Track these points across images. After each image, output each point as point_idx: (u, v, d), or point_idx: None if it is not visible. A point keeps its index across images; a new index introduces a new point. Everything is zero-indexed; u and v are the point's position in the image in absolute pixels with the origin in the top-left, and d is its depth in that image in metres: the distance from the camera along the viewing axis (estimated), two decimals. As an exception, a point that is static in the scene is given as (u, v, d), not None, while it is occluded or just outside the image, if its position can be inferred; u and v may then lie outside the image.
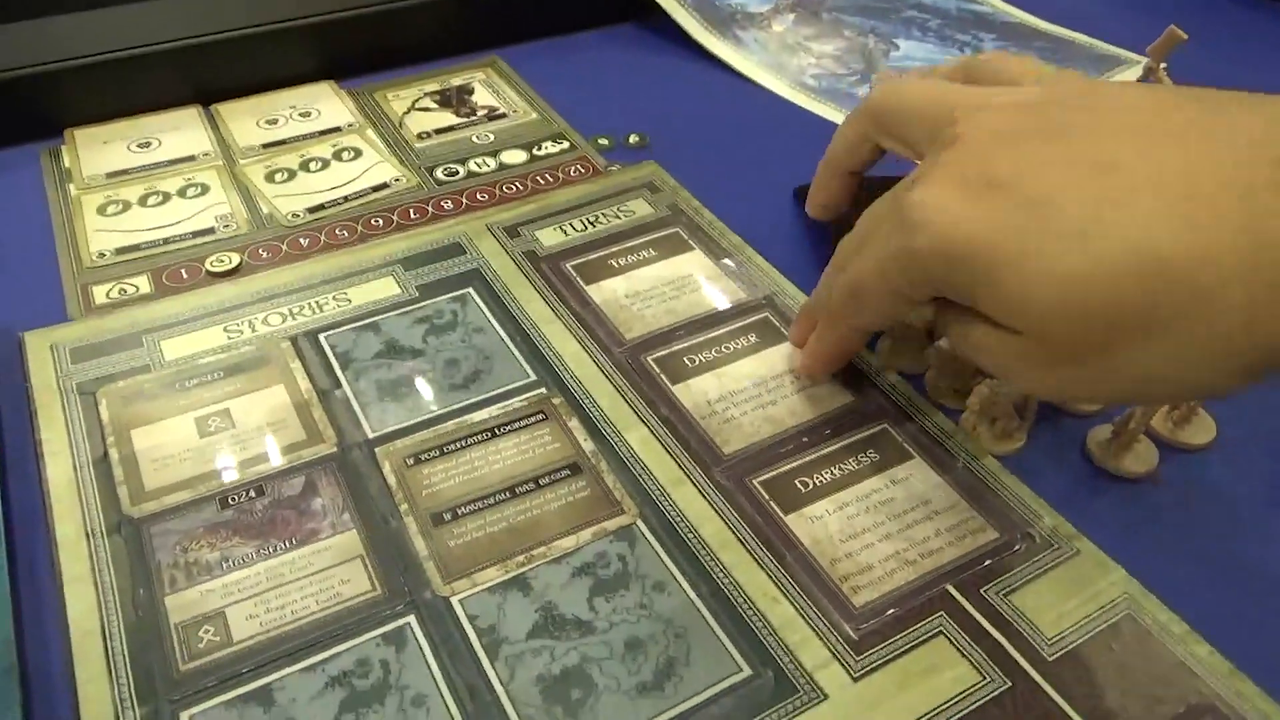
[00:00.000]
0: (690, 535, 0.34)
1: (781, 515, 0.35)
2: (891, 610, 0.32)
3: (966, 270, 0.29)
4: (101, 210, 0.50)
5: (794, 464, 0.37)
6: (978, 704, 0.29)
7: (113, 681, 0.29)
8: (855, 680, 0.30)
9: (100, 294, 0.44)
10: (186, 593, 0.32)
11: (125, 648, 0.30)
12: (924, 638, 0.31)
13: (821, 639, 0.31)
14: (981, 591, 0.32)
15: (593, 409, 0.39)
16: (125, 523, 0.34)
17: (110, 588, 0.32)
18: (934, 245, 0.30)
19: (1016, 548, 0.34)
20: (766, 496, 0.36)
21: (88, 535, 0.33)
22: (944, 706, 0.29)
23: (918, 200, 0.30)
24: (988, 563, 0.33)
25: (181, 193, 0.51)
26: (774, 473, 0.37)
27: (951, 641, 0.31)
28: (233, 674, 0.30)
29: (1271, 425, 0.39)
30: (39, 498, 0.35)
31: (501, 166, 0.54)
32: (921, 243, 0.30)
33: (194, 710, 0.29)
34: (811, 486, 0.36)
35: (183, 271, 0.46)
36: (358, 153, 0.55)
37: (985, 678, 0.30)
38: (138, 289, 0.45)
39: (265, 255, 0.47)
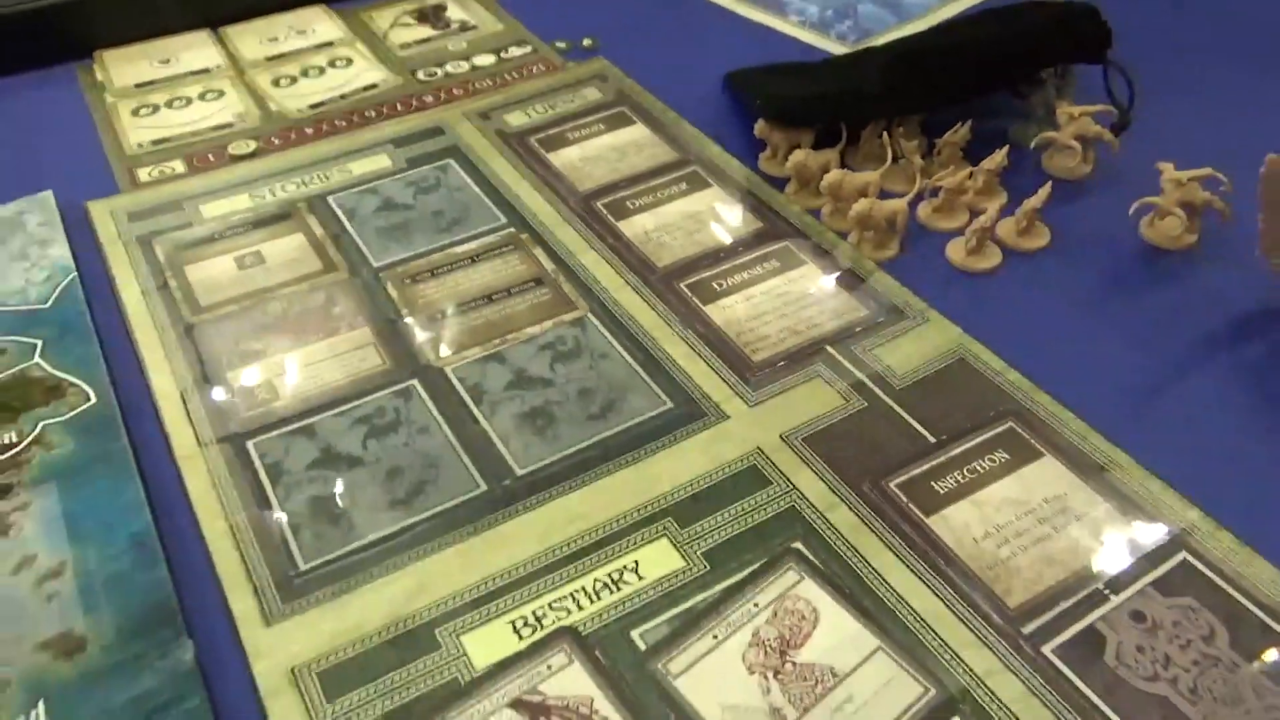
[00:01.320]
0: (629, 321, 0.44)
1: (701, 305, 0.45)
2: (781, 363, 0.42)
3: None
4: (135, 112, 0.59)
5: (713, 271, 0.47)
6: (842, 417, 0.39)
7: (192, 423, 0.39)
8: (751, 407, 0.40)
9: (143, 174, 0.54)
10: (241, 370, 0.42)
11: (200, 403, 0.40)
12: (805, 380, 0.41)
13: (728, 383, 0.41)
14: (852, 348, 0.42)
15: (553, 241, 0.49)
16: (189, 327, 0.43)
17: (183, 366, 0.41)
18: None
19: (881, 318, 0.44)
20: (690, 294, 0.45)
21: (160, 332, 0.43)
22: (814, 420, 0.39)
23: None
24: (859, 329, 0.43)
25: (201, 97, 0.60)
26: (697, 278, 0.46)
27: (825, 381, 0.41)
28: (282, 418, 0.39)
29: (1096, 232, 0.49)
30: (117, 314, 0.44)
31: (474, 68, 0.63)
32: None
33: (257, 439, 0.38)
34: (725, 286, 0.46)
35: (210, 155, 0.55)
36: (349, 61, 0.63)
37: (848, 401, 0.40)
38: (174, 170, 0.54)
39: (277, 142, 0.56)
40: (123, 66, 0.63)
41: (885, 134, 0.51)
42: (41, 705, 0.30)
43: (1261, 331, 0.44)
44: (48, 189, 0.51)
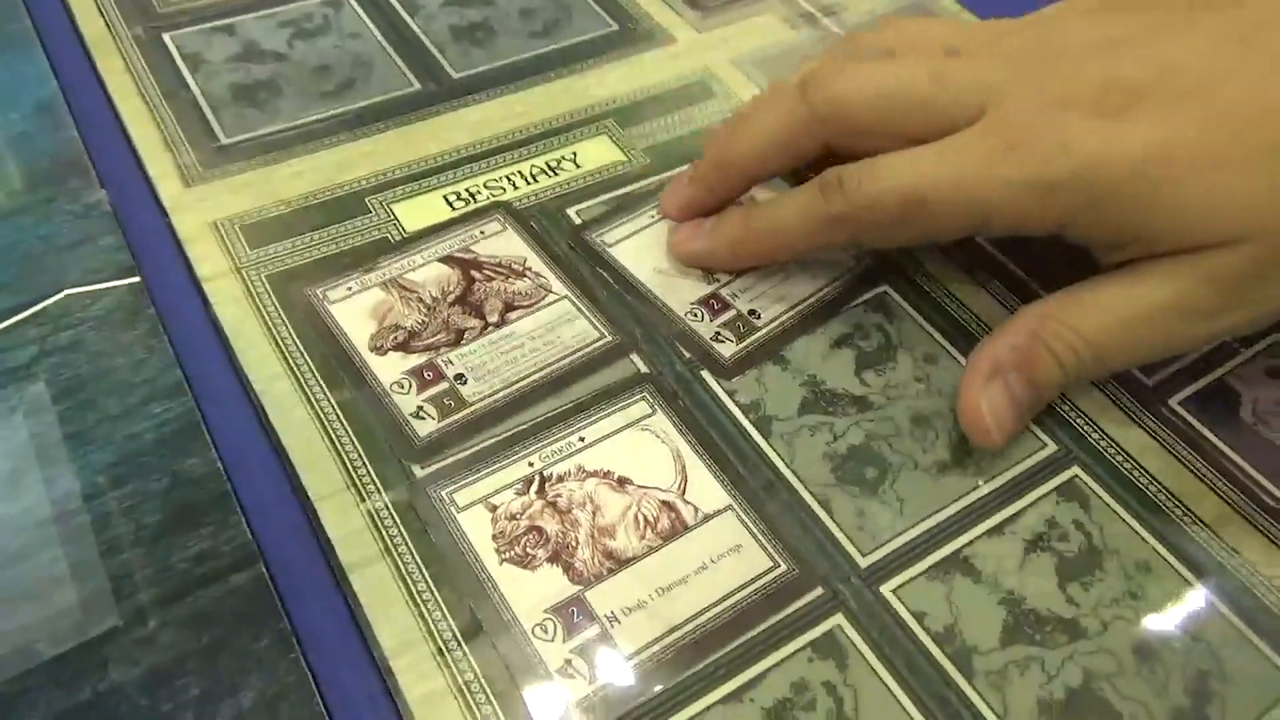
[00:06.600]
0: (576, -47, 0.41)
1: None
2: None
3: (1128, 197, 0.23)
4: None
5: None
6: (790, 45, 0.38)
7: (103, 12, 0.36)
8: (700, 34, 0.39)
9: None
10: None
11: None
12: (756, 14, 0.40)
13: (676, 11, 0.39)
14: (807, -11, 0.41)
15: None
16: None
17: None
18: (1081, 173, 0.23)
19: (839, -36, 0.42)
20: None
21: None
22: (763, 48, 0.38)
23: (1045, 126, 0.24)
24: (815, -27, 0.42)
25: None
26: None
27: (779, 16, 0.39)
28: (202, 14, 0.37)
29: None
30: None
31: None
32: (1062, 171, 0.24)
33: (174, 33, 0.36)
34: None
35: None
36: None
37: (797, 32, 0.39)
38: None
39: None
40: None
41: None
42: (-53, 239, 0.29)
43: None
44: None
